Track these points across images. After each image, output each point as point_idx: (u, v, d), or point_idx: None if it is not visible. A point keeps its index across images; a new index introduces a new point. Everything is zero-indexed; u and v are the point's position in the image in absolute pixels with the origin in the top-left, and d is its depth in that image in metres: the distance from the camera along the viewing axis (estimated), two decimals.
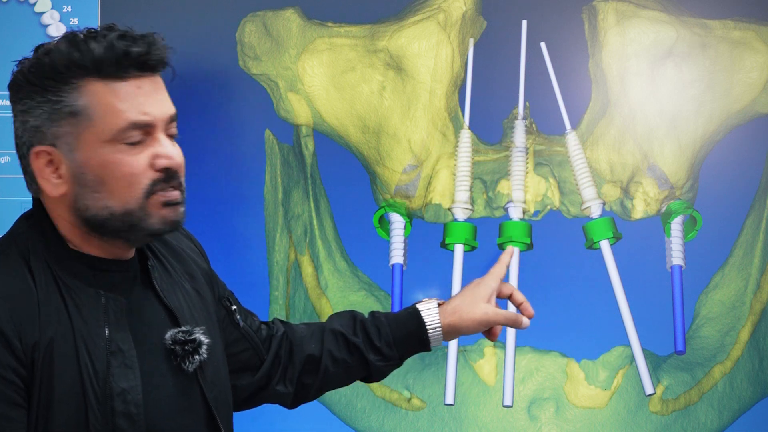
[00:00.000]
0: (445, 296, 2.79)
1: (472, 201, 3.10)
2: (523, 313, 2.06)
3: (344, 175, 3.12)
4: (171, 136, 1.72)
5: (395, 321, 2.04)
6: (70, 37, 1.68)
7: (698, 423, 3.06)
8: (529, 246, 3.07)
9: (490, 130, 3.10)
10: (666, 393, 3.07)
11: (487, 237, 3.09)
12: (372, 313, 2.07)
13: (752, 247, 3.07)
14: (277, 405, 2.07)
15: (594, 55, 3.06)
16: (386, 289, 3.10)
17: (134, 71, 1.67)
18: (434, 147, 3.08)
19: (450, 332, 2.04)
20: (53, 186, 1.69)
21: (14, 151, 1.73)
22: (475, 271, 3.02)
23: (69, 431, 1.65)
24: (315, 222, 3.12)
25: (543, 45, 3.07)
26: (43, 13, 3.11)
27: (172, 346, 1.75)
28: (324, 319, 2.16)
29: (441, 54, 3.06)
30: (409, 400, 3.10)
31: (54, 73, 1.66)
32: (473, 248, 3.09)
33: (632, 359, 3.06)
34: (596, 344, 3.07)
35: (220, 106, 3.11)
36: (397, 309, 3.00)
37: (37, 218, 1.73)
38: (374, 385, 3.06)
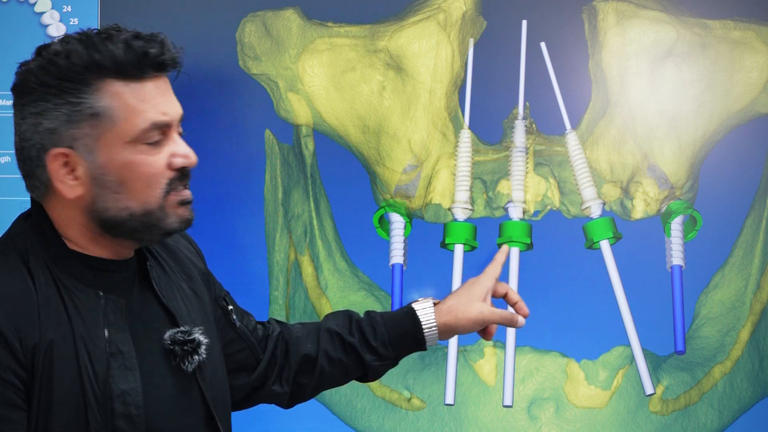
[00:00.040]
0: (445, 296, 2.79)
1: (472, 201, 3.10)
2: (518, 312, 2.07)
3: (344, 175, 3.12)
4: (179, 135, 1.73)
5: (391, 320, 2.05)
6: (83, 38, 1.66)
7: (698, 423, 3.06)
8: (529, 246, 3.07)
9: (490, 130, 3.10)
10: (666, 393, 3.07)
11: (487, 237, 3.09)
12: (368, 313, 2.07)
13: (752, 247, 3.07)
14: (275, 405, 2.08)
15: (594, 55, 3.06)
16: (386, 289, 3.10)
17: (152, 71, 1.68)
18: (434, 147, 3.08)
19: (445, 331, 2.05)
20: (69, 188, 1.67)
21: (14, 151, 1.72)
22: (475, 271, 3.01)
23: None
24: (315, 222, 3.12)
25: (543, 45, 3.07)
26: (43, 13, 3.11)
27: (171, 347, 1.75)
28: None
29: (441, 54, 3.06)
30: (409, 400, 3.10)
31: (72, 75, 1.64)
32: (473, 248, 3.09)
33: (632, 359, 3.05)
34: (596, 344, 3.07)
35: (220, 106, 3.11)
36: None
37: (36, 218, 1.72)
38: (374, 385, 3.06)
